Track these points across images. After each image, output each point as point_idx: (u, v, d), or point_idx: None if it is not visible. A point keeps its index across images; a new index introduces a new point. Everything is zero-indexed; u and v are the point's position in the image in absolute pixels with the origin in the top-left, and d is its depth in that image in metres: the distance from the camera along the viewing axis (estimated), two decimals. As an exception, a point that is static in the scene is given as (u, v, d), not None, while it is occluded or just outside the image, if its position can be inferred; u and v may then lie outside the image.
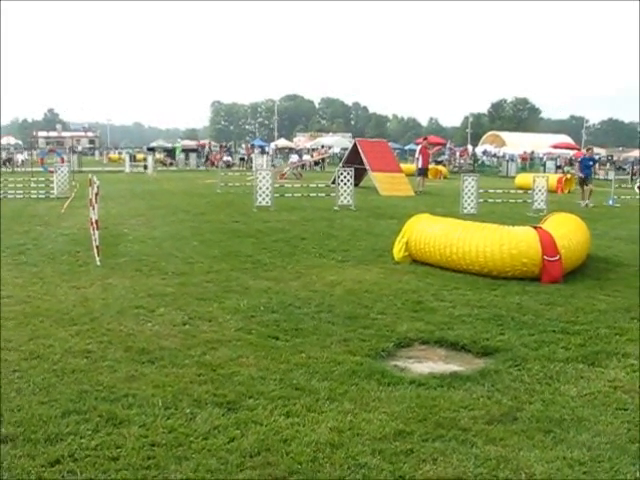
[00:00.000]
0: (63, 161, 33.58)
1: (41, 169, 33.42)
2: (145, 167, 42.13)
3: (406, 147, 75.09)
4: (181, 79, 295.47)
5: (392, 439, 4.16)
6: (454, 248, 9.47)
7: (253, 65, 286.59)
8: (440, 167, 42.70)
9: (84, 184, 15.25)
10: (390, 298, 7.89)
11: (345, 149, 44.16)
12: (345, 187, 19.44)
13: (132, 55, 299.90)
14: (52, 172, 23.25)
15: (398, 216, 15.58)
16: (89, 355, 5.65)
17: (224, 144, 71.17)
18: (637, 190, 26.73)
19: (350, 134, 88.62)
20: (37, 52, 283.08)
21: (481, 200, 19.33)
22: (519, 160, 52.10)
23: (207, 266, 9.73)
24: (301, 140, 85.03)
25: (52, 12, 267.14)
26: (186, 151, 53.40)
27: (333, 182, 22.86)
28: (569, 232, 9.88)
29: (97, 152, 69.68)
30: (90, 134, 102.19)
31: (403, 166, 30.69)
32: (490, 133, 78.46)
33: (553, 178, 27.76)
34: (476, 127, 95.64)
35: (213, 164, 48.53)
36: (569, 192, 27.74)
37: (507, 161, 50.33)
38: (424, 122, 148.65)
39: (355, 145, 27.91)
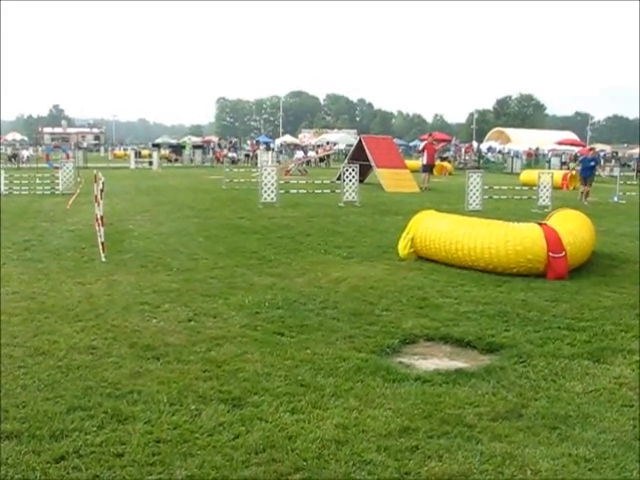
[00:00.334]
0: (68, 157, 33.69)
1: (46, 165, 33.43)
2: (150, 163, 42.20)
3: (411, 143, 75.03)
4: (186, 75, 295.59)
5: (397, 436, 4.16)
6: (459, 245, 9.47)
7: (258, 62, 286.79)
8: (445, 163, 42.57)
9: (89, 180, 15.25)
10: (395, 294, 7.89)
11: (350, 145, 44.21)
12: (350, 183, 19.43)
13: (138, 51, 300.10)
14: (57, 168, 23.28)
15: (403, 212, 15.58)
16: (94, 351, 5.66)
17: (231, 140, 71.25)
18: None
19: (355, 130, 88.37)
20: (43, 48, 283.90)
21: (486, 196, 19.28)
22: (524, 156, 52.03)
23: (212, 262, 9.74)
24: (306, 136, 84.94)
25: (59, 8, 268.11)
26: (192, 147, 53.70)
27: (338, 178, 22.86)
28: (574, 229, 9.86)
29: (102, 148, 69.64)
30: (95, 130, 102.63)
31: (407, 163, 30.62)
32: (495, 129, 78.15)
33: (558, 175, 27.67)
34: (481, 123, 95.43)
35: (218, 160, 48.57)
36: (574, 188, 27.55)
37: (512, 157, 50.09)
38: (429, 118, 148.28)
39: (360, 141, 27.88)
